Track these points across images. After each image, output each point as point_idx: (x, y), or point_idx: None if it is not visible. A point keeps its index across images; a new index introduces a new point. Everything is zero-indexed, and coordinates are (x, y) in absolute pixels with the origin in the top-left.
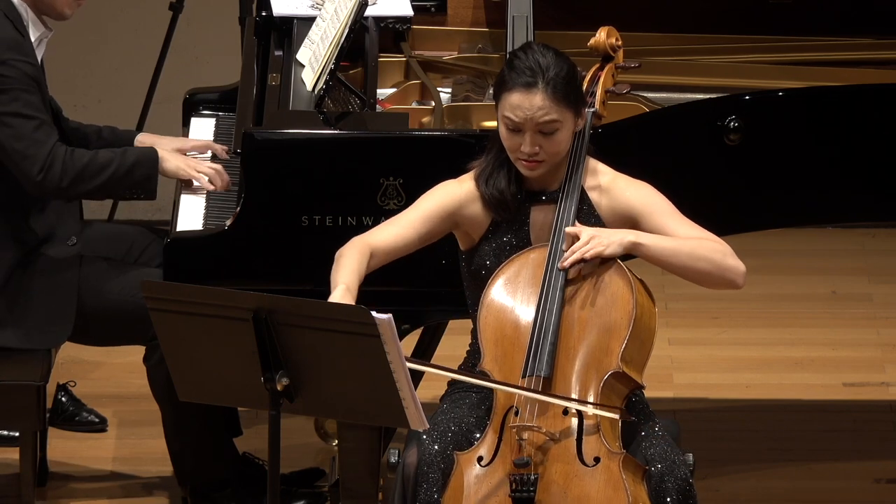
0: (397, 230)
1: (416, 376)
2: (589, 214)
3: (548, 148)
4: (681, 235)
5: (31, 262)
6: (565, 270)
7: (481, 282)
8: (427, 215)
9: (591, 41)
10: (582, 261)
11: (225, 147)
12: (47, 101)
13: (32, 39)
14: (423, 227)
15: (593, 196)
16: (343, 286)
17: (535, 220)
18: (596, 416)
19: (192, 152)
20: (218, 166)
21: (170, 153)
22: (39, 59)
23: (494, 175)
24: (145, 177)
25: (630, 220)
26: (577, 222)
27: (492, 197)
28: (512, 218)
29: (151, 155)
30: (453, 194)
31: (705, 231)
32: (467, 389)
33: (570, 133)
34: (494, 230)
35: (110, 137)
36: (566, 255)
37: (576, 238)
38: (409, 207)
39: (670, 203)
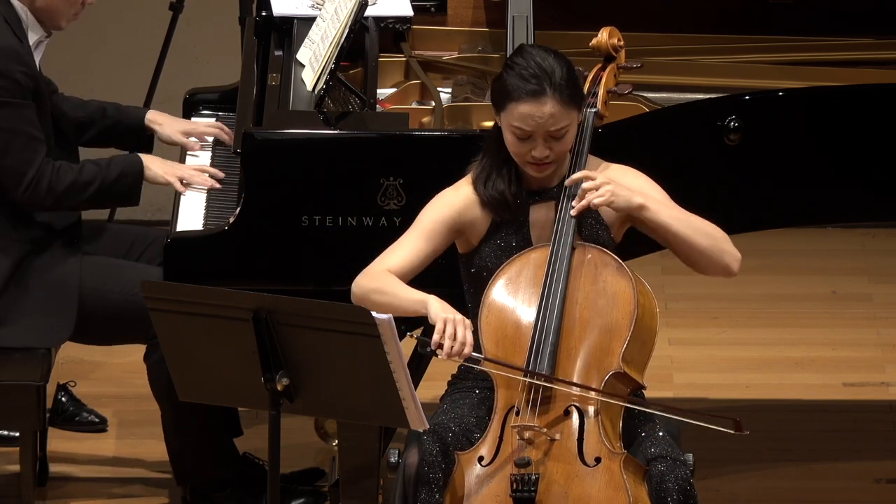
0: (404, 254)
1: (416, 376)
2: (588, 211)
3: (558, 149)
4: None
5: (31, 261)
6: (569, 264)
7: (483, 283)
8: (429, 233)
9: (594, 41)
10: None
11: (230, 134)
12: (47, 108)
13: (31, 42)
14: (428, 246)
15: None
16: (431, 296)
17: (535, 219)
18: (597, 415)
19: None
20: (201, 169)
21: (152, 159)
22: (38, 62)
23: (493, 176)
24: (128, 187)
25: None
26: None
27: (492, 198)
28: (512, 218)
29: (136, 165)
30: (451, 205)
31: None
32: (468, 389)
33: (574, 132)
34: (494, 231)
35: (116, 115)
36: (577, 200)
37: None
38: (411, 227)
39: (665, 193)
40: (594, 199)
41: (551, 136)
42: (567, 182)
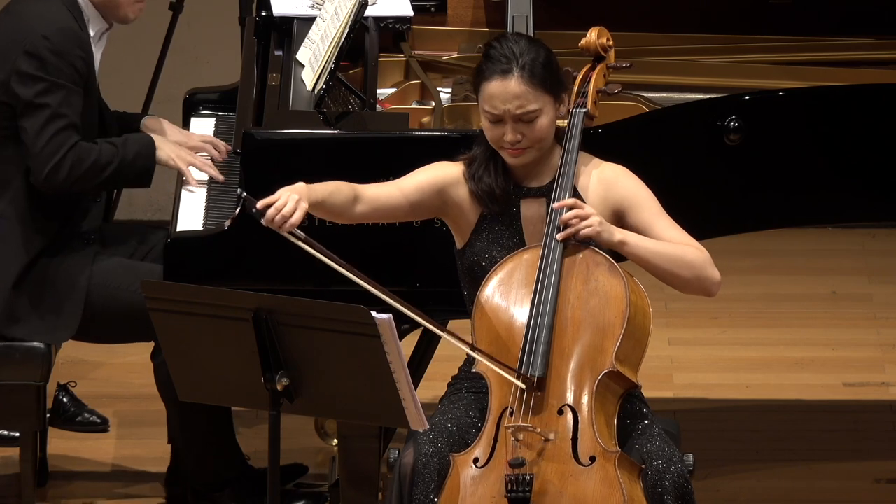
0: (388, 188)
1: (416, 376)
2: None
3: (530, 135)
4: (665, 237)
5: (46, 259)
6: (560, 263)
7: (476, 279)
8: (419, 185)
9: (582, 42)
10: (576, 233)
11: (228, 147)
12: (95, 100)
13: (91, 34)
14: (413, 195)
15: (583, 189)
16: (303, 184)
17: (526, 214)
18: (591, 415)
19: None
20: (208, 162)
21: (164, 141)
22: (98, 56)
23: (482, 170)
24: (144, 168)
25: (619, 212)
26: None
27: (482, 191)
28: (503, 212)
29: (149, 145)
30: (447, 172)
31: (687, 235)
32: (466, 391)
33: (551, 119)
34: (486, 226)
35: (117, 121)
36: (565, 226)
37: (572, 213)
38: (405, 175)
39: (657, 201)
40: (582, 229)
41: (520, 119)
42: (555, 206)
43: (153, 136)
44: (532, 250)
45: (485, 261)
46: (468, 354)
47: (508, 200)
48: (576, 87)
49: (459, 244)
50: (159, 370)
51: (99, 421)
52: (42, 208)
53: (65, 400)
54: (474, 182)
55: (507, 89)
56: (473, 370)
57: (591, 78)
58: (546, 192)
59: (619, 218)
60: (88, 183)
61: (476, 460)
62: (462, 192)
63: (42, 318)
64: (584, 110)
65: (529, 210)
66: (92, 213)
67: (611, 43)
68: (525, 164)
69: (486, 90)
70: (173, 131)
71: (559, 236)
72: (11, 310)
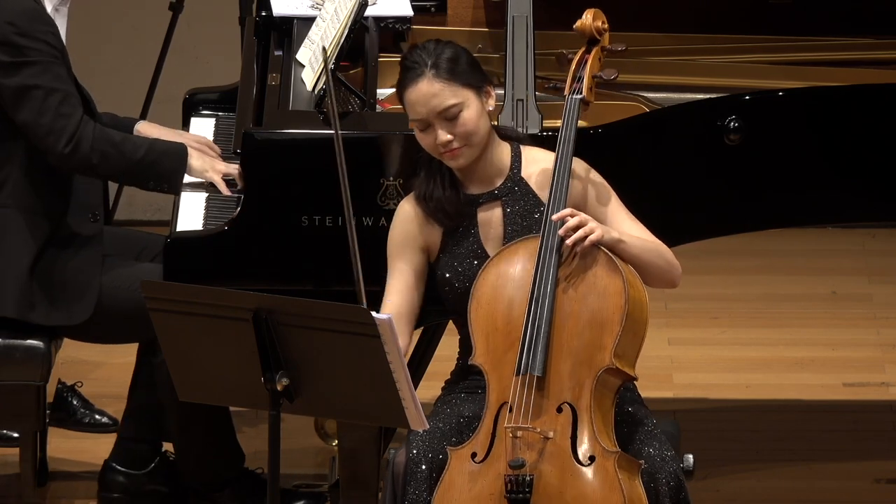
0: (395, 291)
1: (416, 376)
2: (536, 206)
3: (459, 131)
4: (624, 229)
5: (58, 247)
6: (558, 257)
7: (446, 292)
8: (401, 258)
9: (577, 24)
10: (575, 245)
11: (219, 150)
12: (71, 76)
13: (49, 9)
14: (409, 272)
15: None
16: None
17: (482, 220)
18: (590, 412)
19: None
20: (237, 168)
21: (197, 151)
22: (63, 30)
23: (430, 186)
24: (173, 170)
25: (579, 205)
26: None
27: (434, 210)
28: (458, 223)
29: (181, 149)
30: (406, 218)
31: (643, 226)
32: (461, 391)
33: (476, 111)
34: (448, 240)
35: (111, 123)
36: (571, 232)
37: (575, 221)
38: (388, 274)
39: (614, 192)
40: (588, 234)
41: (444, 117)
42: (553, 218)
43: (185, 142)
44: (530, 241)
45: (448, 273)
46: (458, 359)
47: (462, 212)
48: (571, 72)
49: (431, 259)
50: (159, 371)
51: (109, 422)
52: (43, 195)
53: (74, 402)
54: (425, 202)
55: (422, 92)
56: (471, 362)
57: (586, 61)
58: (499, 196)
59: (580, 209)
60: (115, 165)
61: (474, 455)
62: (427, 229)
63: (58, 301)
64: (579, 97)
65: (485, 215)
66: (92, 201)
67: (606, 26)
68: (467, 165)
69: (407, 99)
70: (169, 135)
71: (569, 241)
72: (27, 296)
